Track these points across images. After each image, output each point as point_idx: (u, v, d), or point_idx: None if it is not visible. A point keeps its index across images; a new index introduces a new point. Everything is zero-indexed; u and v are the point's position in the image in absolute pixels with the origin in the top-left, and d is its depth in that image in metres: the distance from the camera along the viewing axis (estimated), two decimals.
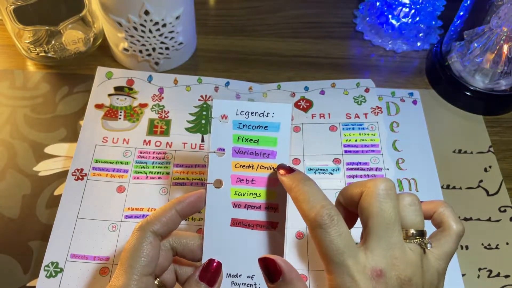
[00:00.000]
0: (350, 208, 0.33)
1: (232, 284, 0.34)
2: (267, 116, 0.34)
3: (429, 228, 0.34)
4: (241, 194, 0.34)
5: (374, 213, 0.29)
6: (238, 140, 0.34)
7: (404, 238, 0.30)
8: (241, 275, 0.33)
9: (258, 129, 0.34)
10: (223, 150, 0.34)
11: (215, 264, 0.33)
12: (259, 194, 0.34)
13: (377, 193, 0.30)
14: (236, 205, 0.34)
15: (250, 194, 0.34)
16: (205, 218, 0.34)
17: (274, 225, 0.34)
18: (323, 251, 0.29)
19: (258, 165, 0.34)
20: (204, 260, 0.33)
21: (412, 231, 0.30)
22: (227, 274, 0.33)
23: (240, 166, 0.34)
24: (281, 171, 0.32)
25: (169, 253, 0.33)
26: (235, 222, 0.34)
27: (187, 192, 0.34)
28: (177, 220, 0.33)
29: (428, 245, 0.31)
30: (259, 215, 0.34)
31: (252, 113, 0.34)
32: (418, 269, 0.29)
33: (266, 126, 0.34)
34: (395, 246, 0.29)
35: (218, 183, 0.34)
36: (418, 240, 0.30)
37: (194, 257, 0.34)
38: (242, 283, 0.33)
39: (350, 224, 0.34)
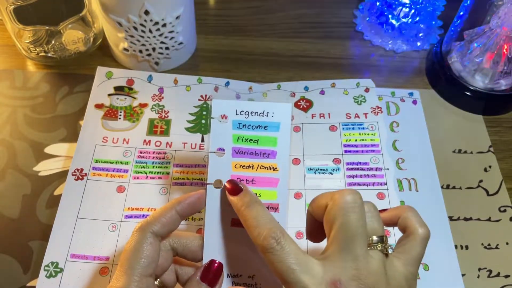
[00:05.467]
0: (319, 218, 0.32)
1: (233, 284, 0.34)
2: (267, 116, 0.34)
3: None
4: None
5: (338, 225, 0.29)
6: (238, 140, 0.34)
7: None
8: (241, 275, 0.33)
9: (258, 129, 0.34)
10: (223, 150, 0.34)
11: (216, 265, 0.33)
12: (260, 194, 0.34)
13: (341, 206, 0.30)
14: None
15: None
16: (205, 218, 0.34)
17: None
18: (278, 272, 0.29)
19: (258, 165, 0.34)
20: (205, 260, 0.33)
21: (373, 237, 0.30)
22: (227, 274, 0.33)
23: (240, 166, 0.34)
24: (228, 187, 0.33)
25: (169, 253, 0.33)
26: (236, 223, 0.33)
27: (187, 192, 0.34)
28: (177, 221, 0.33)
29: (390, 250, 0.30)
30: None
31: (251, 113, 0.34)
32: (382, 277, 0.29)
33: (266, 126, 0.34)
34: (357, 258, 0.29)
35: (218, 184, 0.34)
36: (379, 246, 0.30)
37: (195, 257, 0.34)
38: (243, 283, 0.33)
39: (322, 235, 0.33)
